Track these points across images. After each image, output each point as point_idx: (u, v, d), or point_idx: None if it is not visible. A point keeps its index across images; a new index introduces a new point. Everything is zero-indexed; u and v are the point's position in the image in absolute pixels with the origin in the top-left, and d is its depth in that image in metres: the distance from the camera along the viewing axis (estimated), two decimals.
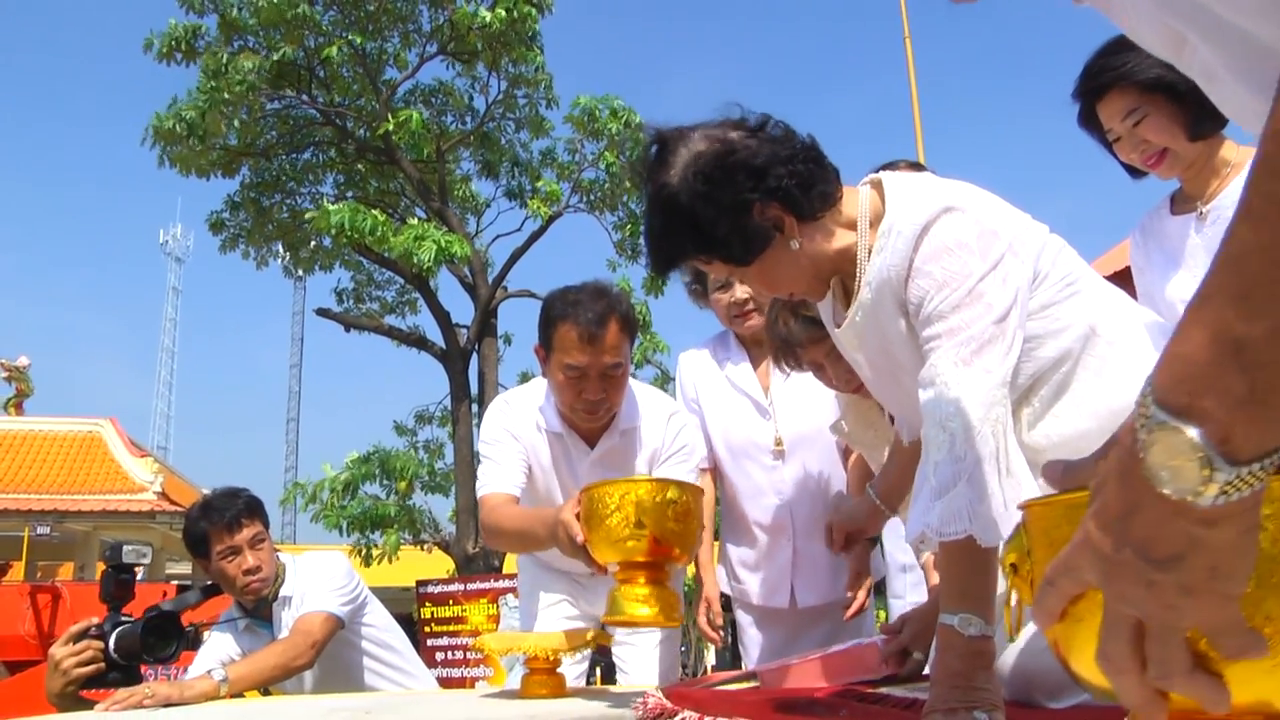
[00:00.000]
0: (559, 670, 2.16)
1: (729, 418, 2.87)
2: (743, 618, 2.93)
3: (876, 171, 2.61)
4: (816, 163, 1.61)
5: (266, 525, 2.94)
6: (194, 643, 2.72)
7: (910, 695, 1.54)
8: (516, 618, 2.96)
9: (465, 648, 8.67)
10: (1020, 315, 1.51)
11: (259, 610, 2.91)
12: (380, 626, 3.08)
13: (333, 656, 2.90)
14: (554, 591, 2.80)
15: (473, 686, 4.62)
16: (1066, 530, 0.79)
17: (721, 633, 2.89)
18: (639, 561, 1.83)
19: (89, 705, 2.38)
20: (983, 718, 1.31)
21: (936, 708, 1.36)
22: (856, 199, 1.65)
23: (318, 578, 2.86)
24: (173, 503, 19.31)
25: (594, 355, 2.39)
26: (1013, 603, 0.89)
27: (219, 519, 2.83)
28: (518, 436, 2.58)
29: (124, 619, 2.52)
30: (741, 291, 2.78)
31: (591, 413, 2.50)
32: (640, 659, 2.69)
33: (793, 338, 2.24)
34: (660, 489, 1.81)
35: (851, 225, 1.64)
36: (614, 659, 2.84)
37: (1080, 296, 1.63)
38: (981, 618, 1.38)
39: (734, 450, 2.86)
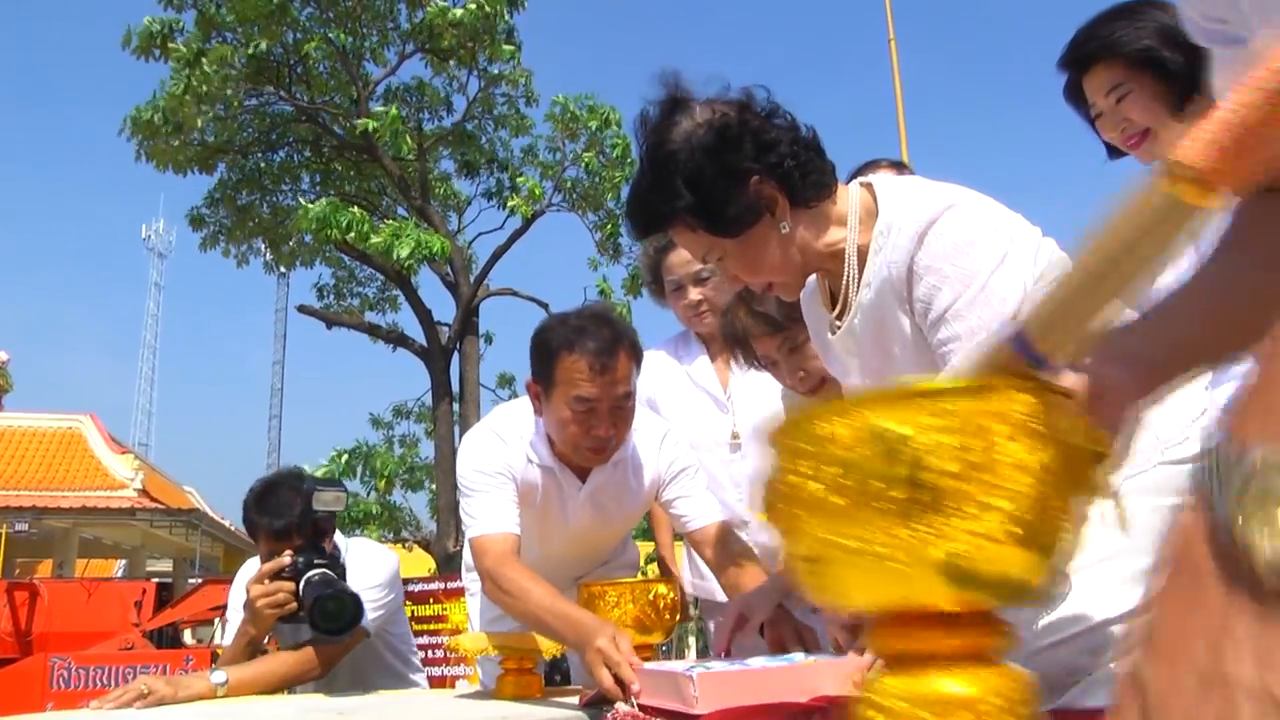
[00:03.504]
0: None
1: (687, 413, 2.86)
2: (711, 617, 2.93)
3: (858, 170, 2.60)
4: (817, 153, 1.62)
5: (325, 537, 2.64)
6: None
7: None
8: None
9: (446, 646, 8.67)
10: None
11: None
12: (404, 633, 3.02)
13: (358, 660, 2.79)
14: None
15: (453, 686, 4.61)
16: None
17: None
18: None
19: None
20: None
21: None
22: (848, 196, 1.65)
23: (358, 578, 2.60)
24: (153, 499, 19.22)
25: (605, 386, 2.22)
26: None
27: (274, 523, 2.57)
28: (514, 473, 2.40)
29: (318, 562, 2.46)
30: (695, 294, 2.78)
31: (599, 451, 2.34)
32: None
33: (746, 331, 2.21)
34: (649, 588, 2.15)
35: (842, 222, 1.64)
36: (569, 659, 2.84)
37: None
38: None
39: (693, 445, 2.85)
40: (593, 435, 2.28)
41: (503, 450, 2.42)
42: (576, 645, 2.03)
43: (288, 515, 2.53)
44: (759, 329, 2.18)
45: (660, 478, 2.52)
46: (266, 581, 2.44)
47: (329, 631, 2.36)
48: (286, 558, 2.44)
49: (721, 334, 2.37)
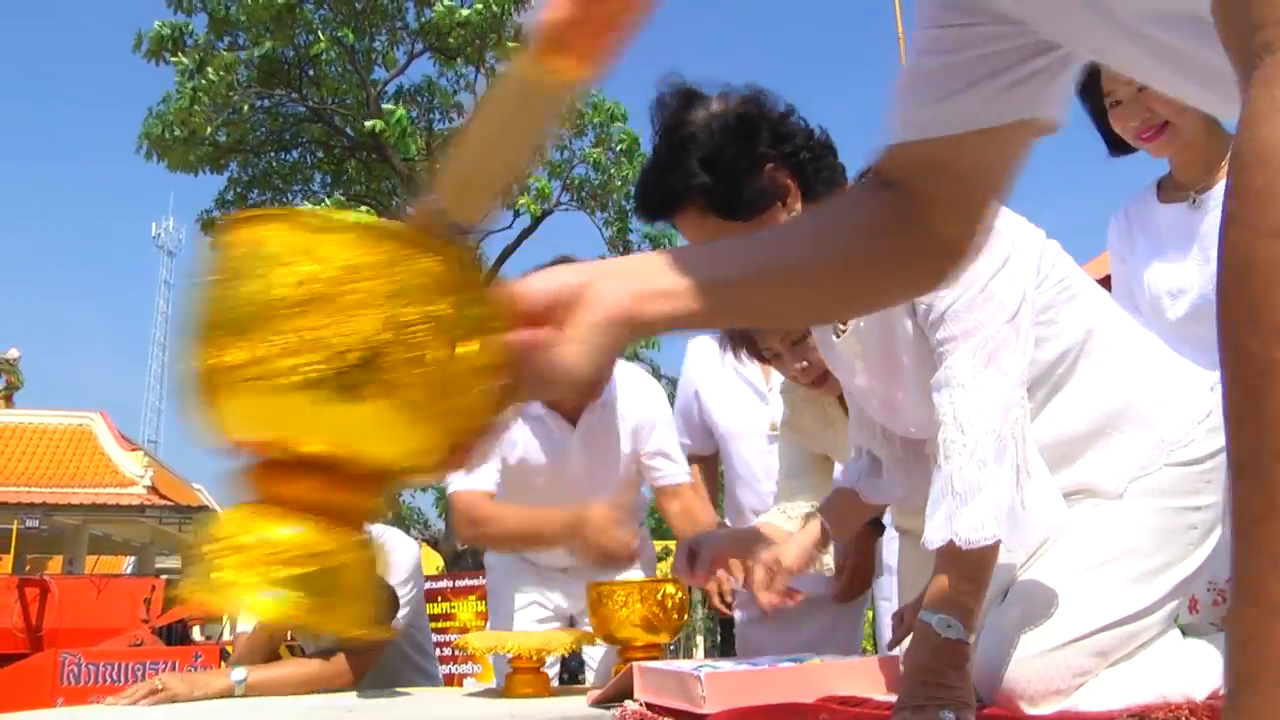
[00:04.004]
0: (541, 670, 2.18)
1: (728, 403, 2.90)
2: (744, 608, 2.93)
3: (864, 172, 2.60)
4: (830, 151, 1.65)
5: None
6: None
7: (890, 699, 1.54)
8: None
9: (454, 645, 8.69)
10: (1030, 313, 1.51)
11: None
12: (425, 626, 2.93)
13: (397, 657, 2.72)
14: (526, 590, 2.80)
15: (461, 684, 4.62)
16: None
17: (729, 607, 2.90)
18: (638, 645, 2.11)
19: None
20: (949, 717, 1.32)
21: (905, 704, 1.37)
22: None
23: (387, 570, 2.46)
24: (163, 497, 19.26)
25: None
26: None
27: None
28: None
29: None
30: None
31: (584, 393, 2.50)
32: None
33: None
34: (657, 587, 2.12)
35: None
36: (583, 656, 2.84)
37: (1078, 300, 1.63)
38: (963, 622, 1.39)
39: (732, 435, 2.88)
40: None
41: None
42: (573, 527, 2.28)
43: None
44: None
45: (641, 424, 2.69)
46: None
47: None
48: None
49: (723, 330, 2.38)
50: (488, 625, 2.94)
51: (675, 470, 2.73)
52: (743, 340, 2.28)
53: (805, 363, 2.18)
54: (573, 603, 2.76)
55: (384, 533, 2.73)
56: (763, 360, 2.33)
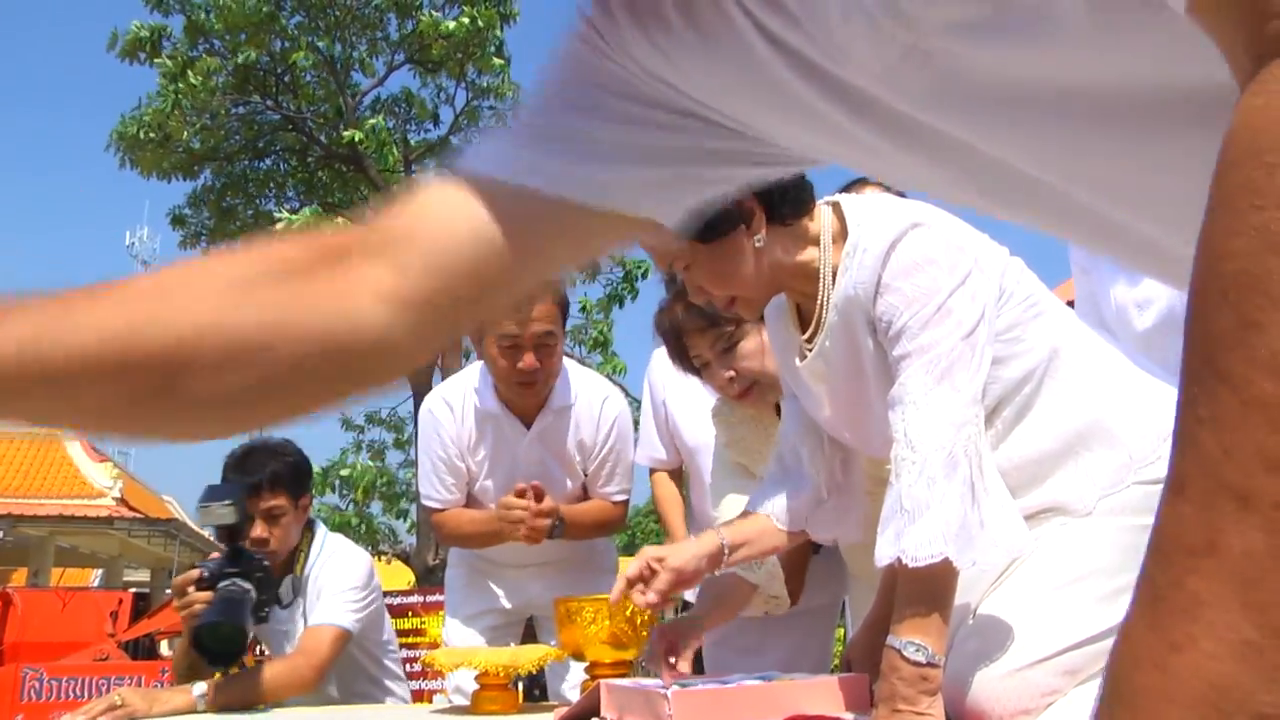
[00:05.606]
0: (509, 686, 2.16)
1: (693, 415, 2.87)
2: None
3: (846, 188, 2.61)
4: (800, 173, 1.60)
5: (296, 497, 2.63)
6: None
7: (857, 717, 1.53)
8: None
9: (422, 661, 8.60)
10: (988, 331, 1.50)
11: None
12: (381, 639, 2.91)
13: (352, 671, 2.72)
14: (485, 588, 2.86)
15: (430, 700, 4.57)
16: None
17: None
18: (606, 662, 2.09)
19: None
20: None
21: None
22: (820, 216, 1.65)
23: (335, 577, 2.58)
24: (132, 509, 19.05)
25: (525, 323, 2.49)
26: None
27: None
28: (454, 437, 2.69)
29: (229, 570, 2.32)
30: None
31: (528, 384, 2.57)
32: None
33: (680, 327, 2.16)
34: (625, 604, 2.03)
35: (815, 241, 1.63)
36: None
37: (1044, 318, 1.63)
38: (929, 645, 1.38)
39: (697, 448, 2.86)
40: (519, 369, 2.52)
41: (441, 414, 2.72)
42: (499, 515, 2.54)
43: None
44: (693, 323, 2.13)
45: (596, 439, 2.74)
46: (191, 590, 2.33)
47: (211, 660, 2.23)
48: (194, 571, 2.37)
49: (656, 331, 2.31)
50: (444, 627, 2.97)
51: (606, 493, 2.81)
52: (673, 347, 2.23)
53: (733, 372, 2.15)
54: (528, 601, 2.83)
55: (334, 543, 2.73)
56: (695, 372, 2.27)
